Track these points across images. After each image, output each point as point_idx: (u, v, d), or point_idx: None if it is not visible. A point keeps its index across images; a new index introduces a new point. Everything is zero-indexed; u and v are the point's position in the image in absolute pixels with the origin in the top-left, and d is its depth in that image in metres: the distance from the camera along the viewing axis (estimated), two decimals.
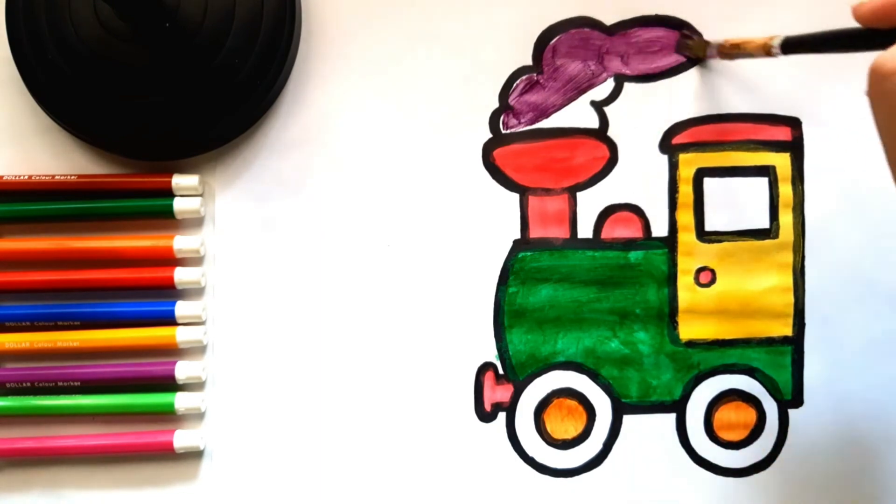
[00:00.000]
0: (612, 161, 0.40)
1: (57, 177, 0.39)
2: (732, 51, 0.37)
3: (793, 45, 0.33)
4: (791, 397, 0.40)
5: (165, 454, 0.40)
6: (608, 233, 0.40)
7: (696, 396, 0.40)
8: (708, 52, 0.38)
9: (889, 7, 0.27)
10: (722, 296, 0.40)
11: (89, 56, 0.37)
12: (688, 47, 0.39)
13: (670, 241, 0.40)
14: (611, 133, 0.40)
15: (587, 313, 0.40)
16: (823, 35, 0.30)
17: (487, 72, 0.40)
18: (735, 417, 0.41)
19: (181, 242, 0.39)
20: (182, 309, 0.39)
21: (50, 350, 0.39)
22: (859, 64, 0.28)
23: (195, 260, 0.40)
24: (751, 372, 0.40)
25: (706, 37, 0.40)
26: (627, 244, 0.40)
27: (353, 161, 0.40)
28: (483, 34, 0.40)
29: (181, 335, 0.39)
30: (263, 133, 0.40)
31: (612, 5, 0.40)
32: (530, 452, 0.40)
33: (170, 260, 0.39)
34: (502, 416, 0.40)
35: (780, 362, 0.40)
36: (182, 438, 0.39)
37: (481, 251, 0.40)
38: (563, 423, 0.40)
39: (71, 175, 0.39)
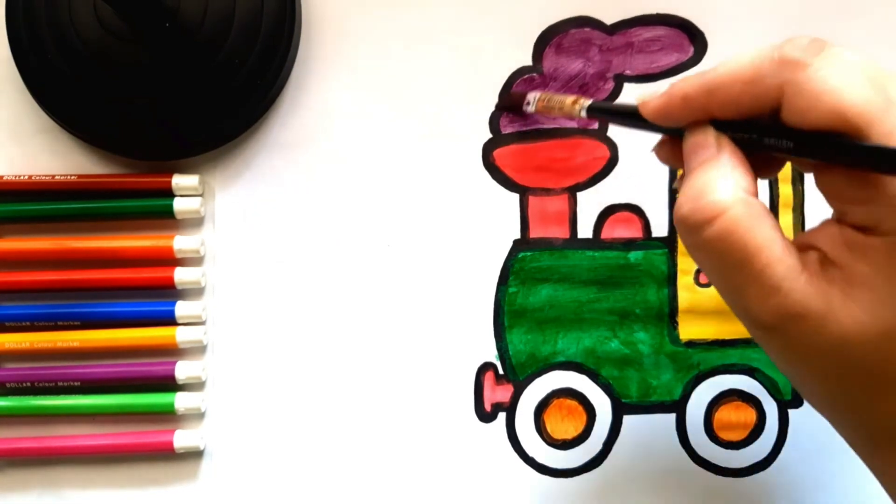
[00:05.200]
0: (612, 161, 0.40)
1: (57, 177, 0.39)
2: (544, 111, 0.37)
3: (596, 111, 0.34)
4: (791, 397, 0.40)
5: (165, 454, 0.40)
6: (608, 233, 0.40)
7: (696, 396, 0.40)
8: (525, 107, 0.38)
9: (670, 108, 0.28)
10: None
11: (89, 56, 0.37)
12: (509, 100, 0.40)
13: (670, 241, 0.40)
14: (611, 133, 0.40)
15: (587, 313, 0.40)
16: (624, 108, 0.31)
17: (487, 72, 0.40)
18: (735, 417, 0.41)
19: (181, 242, 0.39)
20: (182, 309, 0.39)
21: (50, 350, 0.39)
22: None
23: (195, 260, 0.40)
24: (751, 372, 0.40)
25: (708, 37, 0.40)
26: (627, 244, 0.40)
27: (353, 161, 0.40)
28: (483, 34, 0.40)
29: (181, 335, 0.39)
30: (263, 133, 0.40)
31: (613, 5, 0.40)
32: (530, 452, 0.40)
33: (170, 260, 0.39)
34: (502, 416, 0.40)
35: None
36: (182, 438, 0.39)
37: (481, 251, 0.40)
38: (563, 423, 0.40)
39: (71, 175, 0.39)
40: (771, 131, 0.26)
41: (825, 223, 0.27)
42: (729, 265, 0.26)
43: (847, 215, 0.26)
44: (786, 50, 0.25)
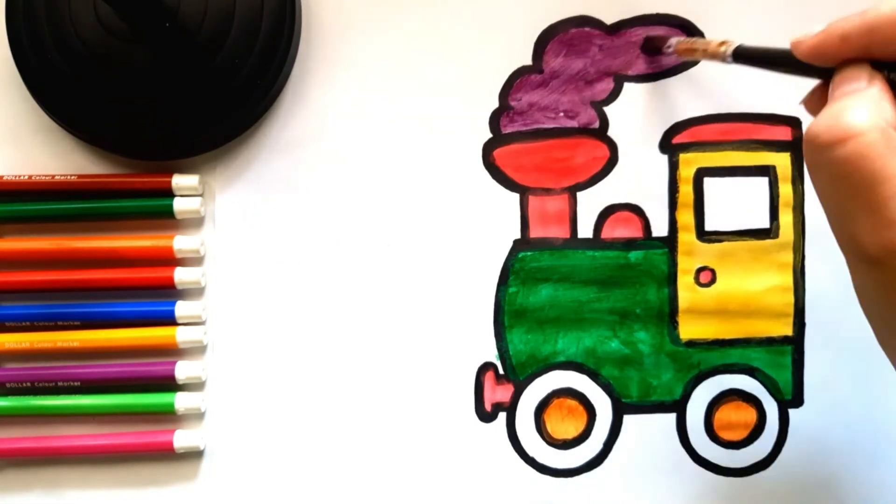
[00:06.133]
0: (613, 161, 0.40)
1: (57, 177, 0.39)
2: (686, 53, 0.37)
3: (743, 56, 0.33)
4: (791, 397, 0.40)
5: (165, 454, 0.40)
6: (608, 233, 0.40)
7: (696, 396, 0.40)
8: (665, 49, 0.38)
9: (827, 46, 0.27)
10: (722, 295, 0.40)
11: (89, 56, 0.37)
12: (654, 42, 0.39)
13: (670, 241, 0.40)
14: (611, 133, 0.40)
15: (587, 313, 0.40)
16: (773, 52, 0.31)
17: (487, 72, 0.40)
18: (735, 417, 0.41)
19: (181, 242, 0.39)
20: (182, 309, 0.39)
21: (50, 350, 0.39)
22: None
23: (195, 260, 0.40)
24: (751, 372, 0.40)
25: (707, 36, 0.40)
26: (627, 244, 0.40)
27: (353, 161, 0.40)
28: (483, 34, 0.40)
29: (181, 335, 0.39)
30: (263, 133, 0.40)
31: (613, 4, 0.40)
32: (531, 452, 0.40)
33: (170, 260, 0.39)
34: (503, 416, 0.40)
35: (780, 362, 0.40)
36: (182, 438, 0.39)
37: (481, 251, 0.40)
38: (564, 423, 0.40)
39: (71, 175, 0.39)
40: None
41: None
42: (850, 189, 0.25)
43: None
44: None
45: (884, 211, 0.25)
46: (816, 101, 0.29)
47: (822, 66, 0.28)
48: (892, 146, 0.25)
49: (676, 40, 0.37)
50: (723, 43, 0.33)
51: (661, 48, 0.38)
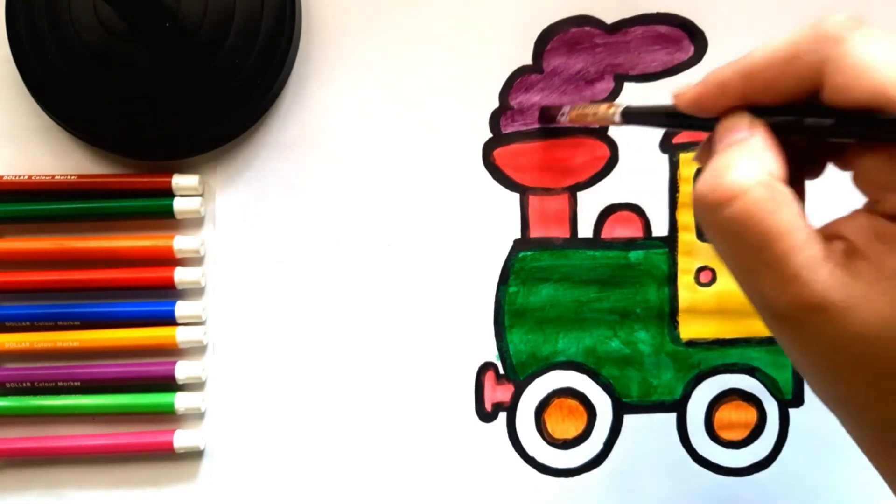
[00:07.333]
0: (613, 160, 0.40)
1: (57, 177, 0.39)
2: (579, 119, 0.37)
3: (630, 116, 0.33)
4: (791, 396, 0.40)
5: (165, 454, 0.40)
6: (608, 232, 0.40)
7: (696, 396, 0.40)
8: (559, 118, 0.38)
9: (706, 96, 0.27)
10: (722, 295, 0.40)
11: (89, 56, 0.37)
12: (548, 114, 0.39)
13: (671, 241, 0.40)
14: (611, 132, 0.40)
15: (588, 313, 0.40)
16: (658, 110, 0.30)
17: (487, 72, 0.40)
18: (735, 417, 0.41)
19: (181, 242, 0.39)
20: (182, 309, 0.39)
21: (50, 350, 0.39)
22: None
23: (195, 260, 0.40)
24: (751, 371, 0.40)
25: (708, 36, 0.40)
26: (628, 244, 0.40)
27: (353, 161, 0.40)
28: (483, 34, 0.40)
29: (181, 335, 0.39)
30: (263, 133, 0.40)
31: (613, 4, 0.40)
32: (531, 452, 0.40)
33: (170, 260, 0.39)
34: (503, 415, 0.40)
35: (780, 361, 0.40)
36: (182, 438, 0.39)
37: (482, 251, 0.40)
38: (564, 423, 0.40)
39: (71, 175, 0.39)
40: (810, 110, 0.25)
41: (855, 213, 0.26)
42: (746, 249, 0.25)
43: (881, 204, 0.25)
44: (823, 26, 0.24)
45: (782, 268, 0.24)
46: (708, 156, 0.28)
47: (705, 116, 0.27)
48: (779, 199, 0.24)
49: (569, 108, 0.37)
50: (611, 106, 0.33)
51: (555, 116, 0.38)
